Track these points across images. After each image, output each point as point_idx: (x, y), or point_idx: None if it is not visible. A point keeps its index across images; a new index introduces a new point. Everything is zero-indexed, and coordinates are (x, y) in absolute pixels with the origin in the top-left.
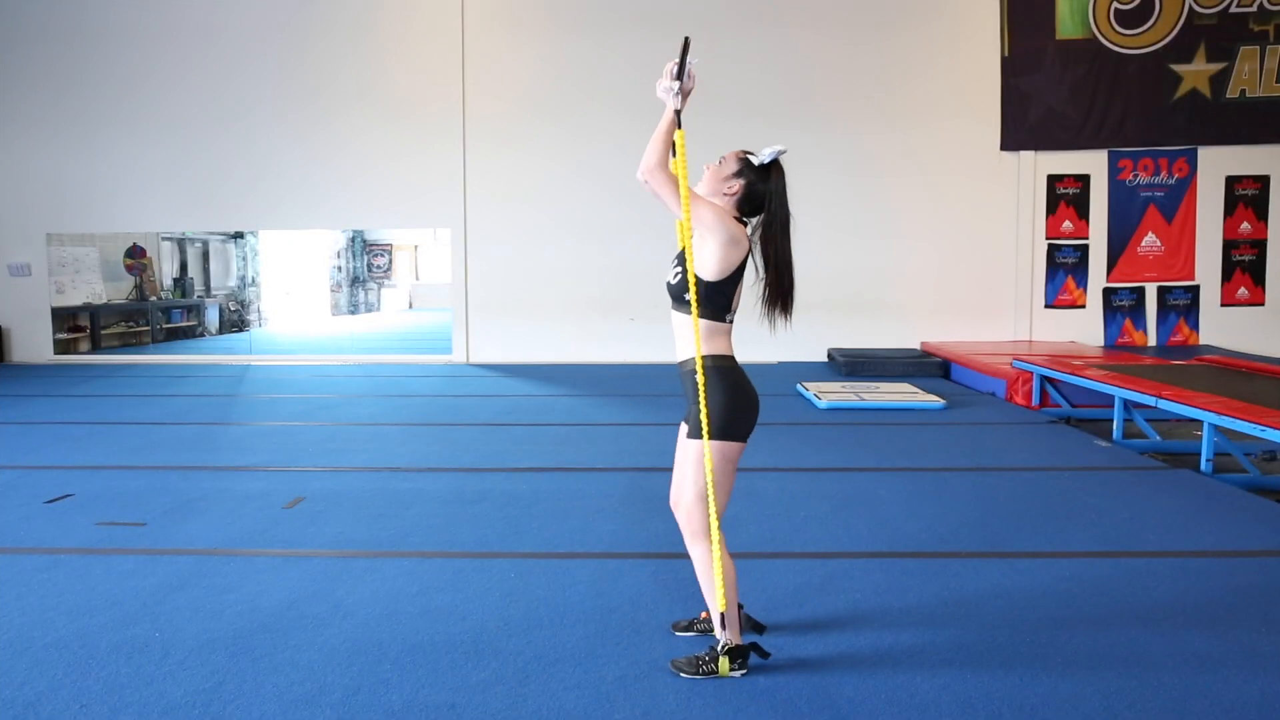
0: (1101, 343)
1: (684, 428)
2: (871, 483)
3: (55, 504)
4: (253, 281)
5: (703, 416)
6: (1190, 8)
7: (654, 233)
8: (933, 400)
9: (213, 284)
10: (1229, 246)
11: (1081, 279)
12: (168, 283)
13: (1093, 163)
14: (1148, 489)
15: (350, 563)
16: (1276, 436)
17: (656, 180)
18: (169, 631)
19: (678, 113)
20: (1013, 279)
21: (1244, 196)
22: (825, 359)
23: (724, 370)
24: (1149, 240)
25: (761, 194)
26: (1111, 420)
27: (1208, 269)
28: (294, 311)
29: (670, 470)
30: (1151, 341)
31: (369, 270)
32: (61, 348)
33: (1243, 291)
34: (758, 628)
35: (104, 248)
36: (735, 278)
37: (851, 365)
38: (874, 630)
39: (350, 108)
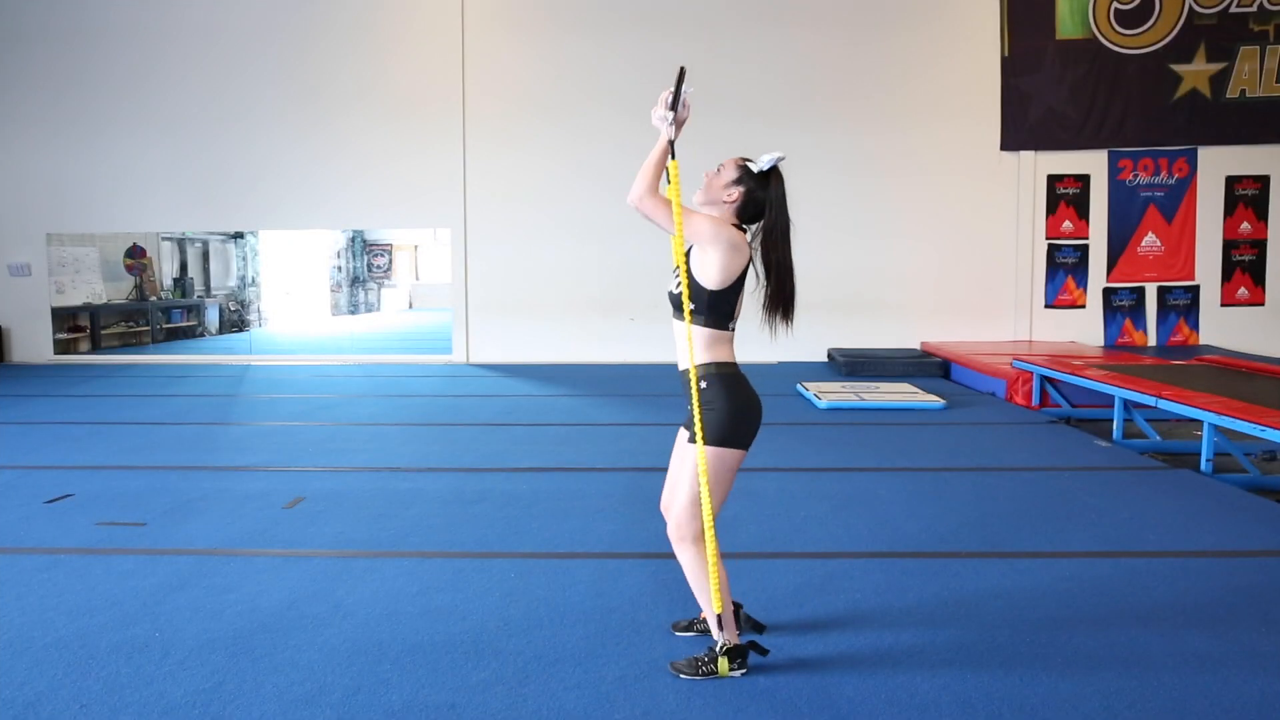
0: (1101, 343)
1: (684, 432)
2: (871, 483)
3: (55, 504)
4: (253, 281)
5: (697, 425)
6: (1190, 8)
7: (654, 233)
8: (933, 400)
9: (213, 284)
10: (1229, 246)
11: (1081, 279)
12: (168, 283)
13: (1093, 163)
14: (1148, 489)
15: (350, 563)
16: (1276, 436)
17: (647, 205)
18: (169, 631)
19: (671, 142)
20: (1013, 279)
21: (1244, 196)
22: (825, 359)
23: (728, 378)
24: (1149, 240)
25: (761, 201)
26: (1111, 420)
27: (1208, 269)
28: (294, 311)
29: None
30: (1151, 341)
31: (369, 270)
32: (61, 348)
33: (1243, 291)
34: (758, 627)
35: (104, 248)
36: (737, 286)
37: (851, 365)
38: (874, 630)
39: (350, 108)
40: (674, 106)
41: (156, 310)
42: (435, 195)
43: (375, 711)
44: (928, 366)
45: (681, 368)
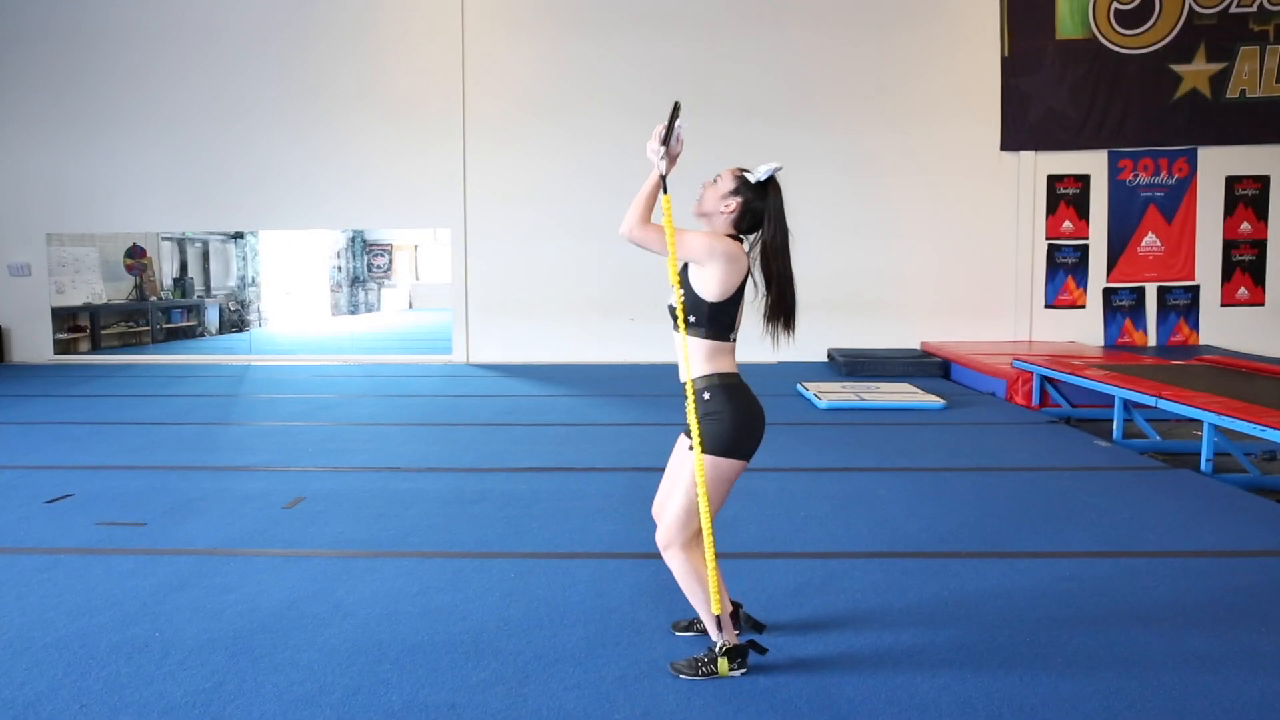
0: (1101, 343)
1: (685, 439)
2: (871, 483)
3: (55, 504)
4: (253, 281)
5: (695, 435)
6: (1190, 8)
7: None
8: (933, 400)
9: (213, 284)
10: (1229, 246)
11: (1081, 279)
12: (168, 283)
13: (1093, 163)
14: (1148, 489)
15: (350, 563)
16: (1276, 436)
17: (638, 235)
18: (169, 631)
19: (663, 176)
20: (1013, 279)
21: (1244, 196)
22: (825, 359)
23: (731, 388)
24: (1149, 240)
25: (759, 211)
26: (1111, 420)
27: (1208, 269)
28: (294, 311)
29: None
30: (1151, 341)
31: (369, 270)
32: (61, 348)
33: (1243, 291)
34: (757, 627)
35: (104, 248)
36: (737, 297)
37: (851, 365)
38: (874, 630)
39: (350, 108)
40: (666, 141)
41: (156, 310)
42: (435, 195)
43: (375, 711)
44: (928, 366)
45: (683, 379)
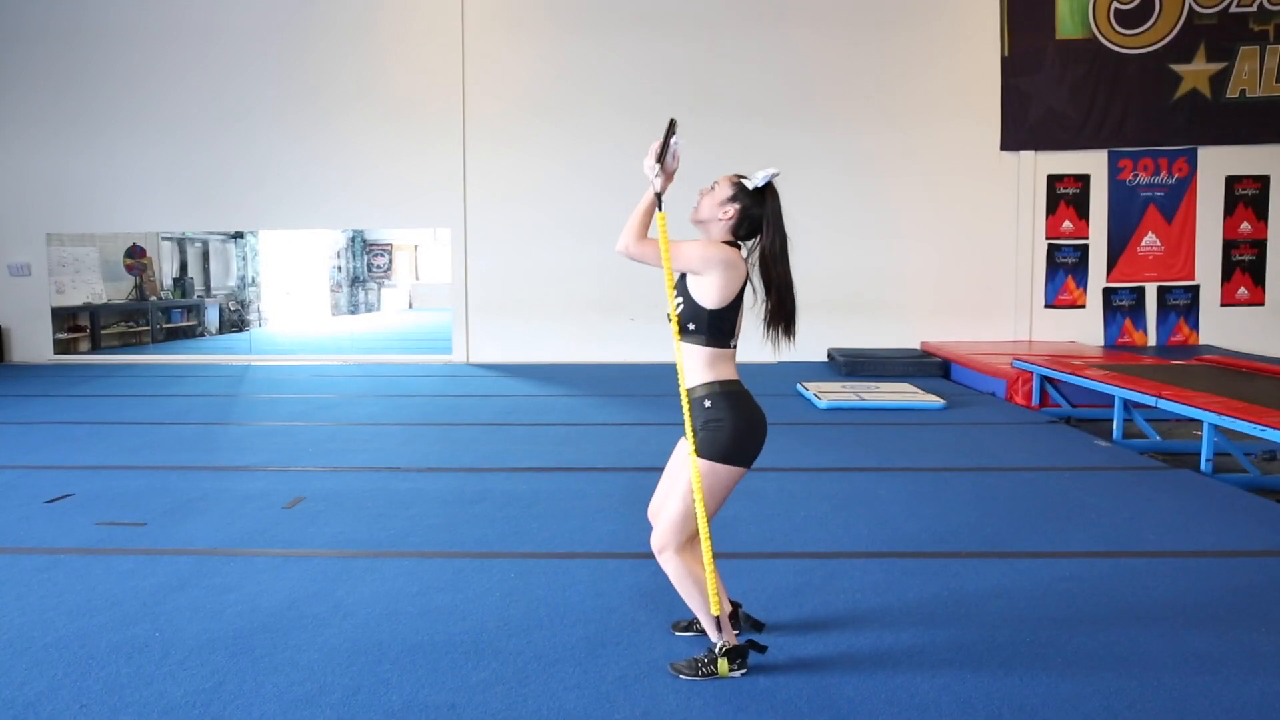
0: (1101, 343)
1: (685, 443)
2: (871, 483)
3: (55, 504)
4: (253, 281)
5: (690, 443)
6: (1190, 8)
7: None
8: (933, 400)
9: (213, 284)
10: (1229, 246)
11: (1081, 279)
12: (168, 283)
13: (1093, 163)
14: (1148, 489)
15: (350, 563)
16: (1276, 436)
17: (635, 251)
18: (169, 631)
19: (659, 194)
20: (1013, 279)
21: (1244, 196)
22: (825, 359)
23: (733, 395)
24: (1149, 240)
25: (757, 218)
26: (1111, 420)
27: (1208, 269)
28: (294, 311)
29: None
30: (1151, 341)
31: (369, 270)
32: (61, 348)
33: (1243, 291)
34: (757, 626)
35: (104, 248)
36: (736, 304)
37: (851, 365)
38: (874, 630)
39: (350, 108)
40: (661, 159)
41: (156, 310)
42: (435, 195)
43: (375, 711)
44: (928, 366)
45: (686, 386)
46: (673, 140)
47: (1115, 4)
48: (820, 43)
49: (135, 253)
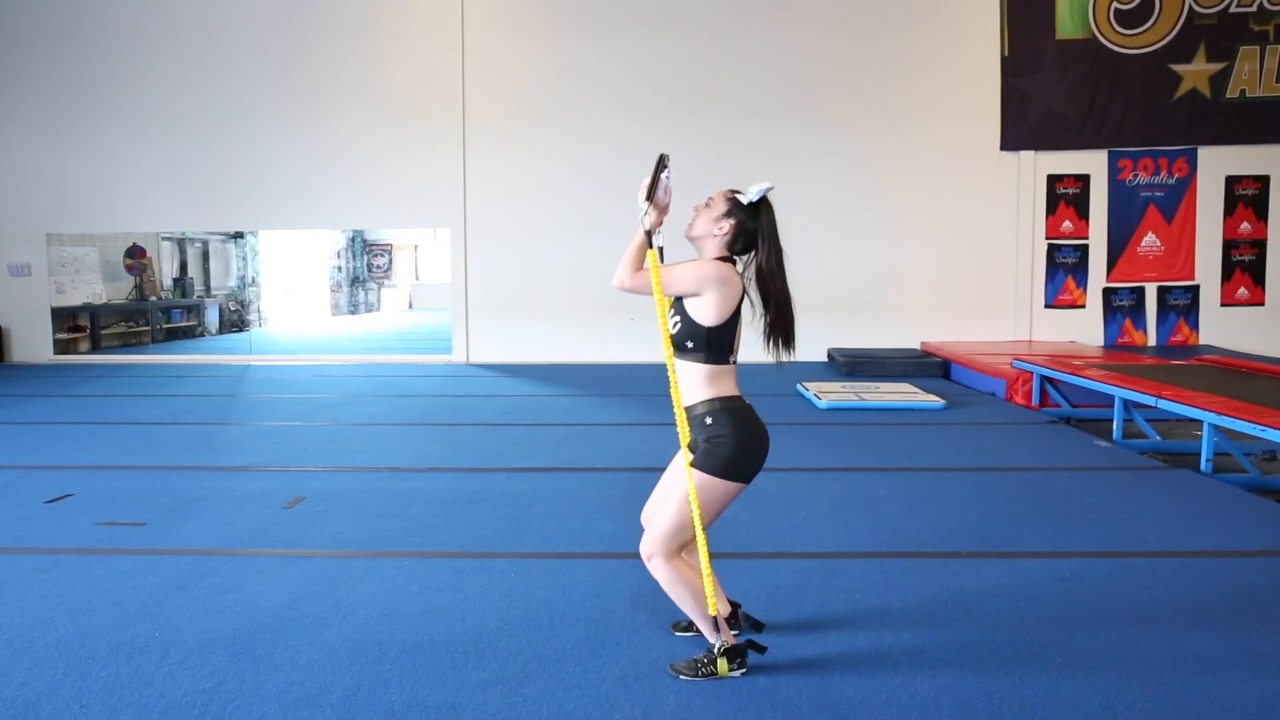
0: (1101, 343)
1: (686, 453)
2: (871, 483)
3: (55, 504)
4: (253, 281)
5: (685, 458)
6: (1190, 8)
7: None
8: (933, 400)
9: (213, 284)
10: (1229, 246)
11: (1081, 279)
12: (168, 283)
13: (1093, 163)
14: (1148, 489)
15: (350, 563)
16: (1276, 436)
17: (630, 285)
18: (169, 631)
19: (649, 233)
20: (1013, 279)
21: (1244, 196)
22: (825, 359)
23: (735, 411)
24: (1149, 240)
25: (753, 232)
26: (1111, 420)
27: (1208, 269)
28: (294, 311)
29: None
30: (1151, 341)
31: (369, 270)
32: (61, 348)
33: (1243, 291)
34: (756, 625)
35: (104, 248)
36: (734, 319)
37: (851, 365)
38: (874, 630)
39: (350, 108)
40: (650, 197)
41: (156, 310)
42: (435, 195)
43: (375, 711)
44: (928, 366)
45: (686, 403)
46: (663, 175)
47: (1115, 4)
48: (820, 43)
49: (135, 253)
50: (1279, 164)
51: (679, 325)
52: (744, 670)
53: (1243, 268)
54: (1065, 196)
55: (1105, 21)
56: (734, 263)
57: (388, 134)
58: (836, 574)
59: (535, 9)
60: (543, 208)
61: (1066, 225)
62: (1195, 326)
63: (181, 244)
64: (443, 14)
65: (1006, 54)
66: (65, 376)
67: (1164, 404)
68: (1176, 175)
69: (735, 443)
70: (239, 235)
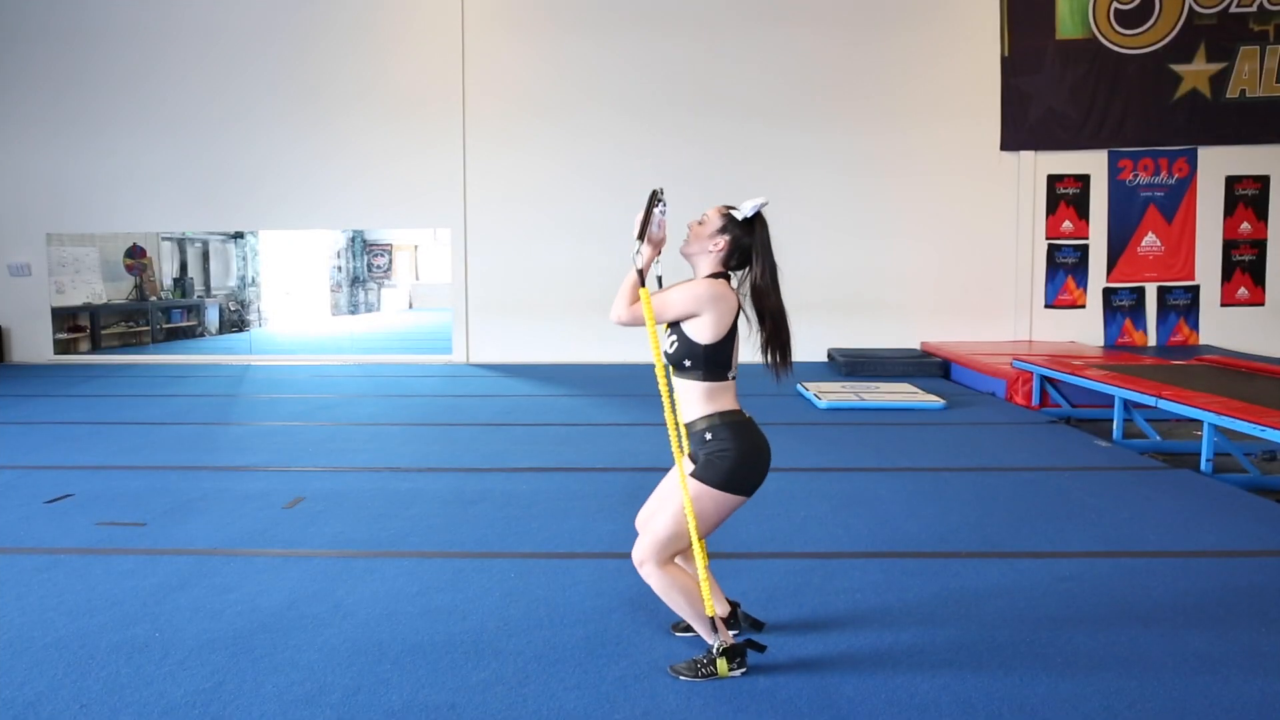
0: (1101, 343)
1: (687, 461)
2: (871, 483)
3: (55, 504)
4: (253, 281)
5: (681, 473)
6: (1190, 8)
7: None
8: (933, 400)
9: (213, 284)
10: (1229, 246)
11: (1081, 279)
12: (168, 283)
13: (1093, 163)
14: (1148, 489)
15: (350, 563)
16: (1276, 436)
17: (627, 318)
18: (169, 631)
19: (641, 271)
20: (1013, 279)
21: (1244, 196)
22: (825, 359)
23: (735, 425)
24: (1149, 240)
25: (748, 247)
26: (1111, 420)
27: (1208, 269)
28: (294, 311)
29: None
30: (1151, 341)
31: (369, 270)
32: (61, 348)
33: (1243, 291)
34: (756, 625)
35: (104, 248)
36: (731, 336)
37: (851, 365)
38: (874, 630)
39: (350, 108)
40: (641, 235)
41: (156, 310)
42: (435, 195)
43: (375, 711)
44: (928, 366)
45: (686, 420)
46: (656, 210)
47: (1115, 4)
48: (820, 43)
49: (135, 253)
50: (1279, 164)
51: (676, 344)
52: (744, 670)
53: (1243, 268)
54: (1065, 196)
55: (1105, 21)
56: (728, 279)
57: (388, 134)
58: (836, 574)
59: (535, 9)
60: (543, 208)
61: (1066, 225)
62: (1195, 326)
63: (181, 244)
64: (443, 14)
65: (1006, 54)
66: (65, 376)
67: (1164, 404)
68: (1176, 175)
69: (737, 455)
70: (239, 235)
